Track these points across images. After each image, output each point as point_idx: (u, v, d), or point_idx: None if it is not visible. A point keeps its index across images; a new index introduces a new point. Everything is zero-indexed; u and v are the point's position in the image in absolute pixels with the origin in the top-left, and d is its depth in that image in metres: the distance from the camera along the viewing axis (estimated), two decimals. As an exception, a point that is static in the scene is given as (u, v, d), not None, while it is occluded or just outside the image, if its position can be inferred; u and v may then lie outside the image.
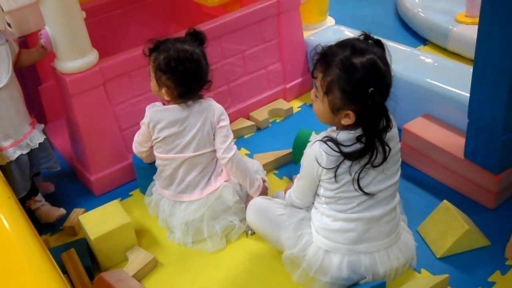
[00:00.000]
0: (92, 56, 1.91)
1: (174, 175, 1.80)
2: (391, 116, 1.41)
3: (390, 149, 1.41)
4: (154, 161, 1.87)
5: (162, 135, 1.76)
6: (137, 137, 1.87)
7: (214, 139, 1.78)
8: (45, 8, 1.79)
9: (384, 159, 1.40)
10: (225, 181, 1.81)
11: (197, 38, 1.78)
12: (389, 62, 1.40)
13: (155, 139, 1.78)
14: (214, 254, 1.75)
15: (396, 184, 1.50)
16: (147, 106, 1.80)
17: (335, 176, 1.42)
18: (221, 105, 1.80)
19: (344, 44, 1.38)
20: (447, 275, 1.52)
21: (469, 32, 2.62)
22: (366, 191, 1.43)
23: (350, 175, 1.41)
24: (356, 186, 1.41)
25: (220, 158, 1.78)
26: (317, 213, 1.54)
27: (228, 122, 1.79)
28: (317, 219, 1.53)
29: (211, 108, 1.76)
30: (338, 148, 1.39)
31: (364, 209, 1.46)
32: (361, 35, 1.41)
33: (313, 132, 1.53)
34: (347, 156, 1.39)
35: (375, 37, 1.42)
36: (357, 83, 1.33)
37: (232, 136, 1.79)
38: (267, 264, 1.68)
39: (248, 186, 1.80)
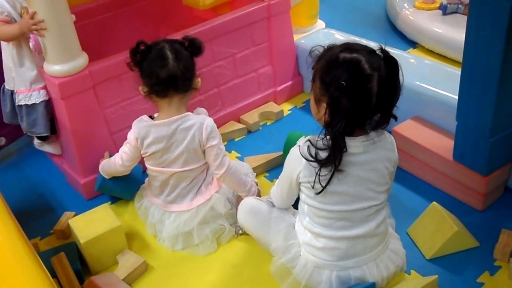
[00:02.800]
0: (81, 59, 1.90)
1: (164, 186, 1.79)
2: (375, 136, 1.40)
3: (344, 150, 1.36)
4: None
5: (150, 151, 1.73)
6: (122, 157, 1.81)
7: (204, 154, 1.76)
8: (34, 11, 1.78)
9: (339, 162, 1.37)
10: (216, 191, 1.79)
11: (190, 46, 1.74)
12: (399, 81, 1.37)
13: (144, 153, 1.76)
14: (205, 257, 1.74)
15: (382, 204, 1.48)
16: (134, 121, 1.76)
17: (313, 182, 1.41)
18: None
19: (345, 43, 1.40)
20: (436, 276, 1.53)
21: (413, 15, 2.97)
22: (346, 207, 1.42)
23: (318, 179, 1.38)
24: (319, 187, 1.39)
25: (213, 173, 1.79)
26: (301, 227, 1.53)
27: (219, 139, 1.74)
28: (302, 233, 1.53)
29: (201, 126, 1.71)
30: (314, 151, 1.38)
31: (348, 226, 1.45)
32: (378, 48, 1.37)
33: (303, 136, 1.53)
34: (318, 161, 1.37)
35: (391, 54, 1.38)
36: (333, 75, 1.32)
37: (223, 152, 1.76)
38: (258, 267, 1.68)
39: (243, 195, 1.79)
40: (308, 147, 1.40)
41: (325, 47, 1.42)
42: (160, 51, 1.67)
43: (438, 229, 1.67)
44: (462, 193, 1.85)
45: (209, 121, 1.73)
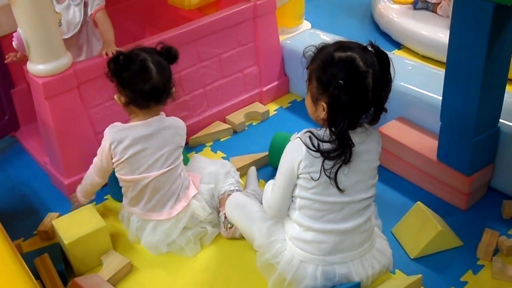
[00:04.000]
0: (66, 59, 1.89)
1: (140, 196, 1.74)
2: (369, 128, 1.44)
3: (353, 144, 1.40)
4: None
5: (126, 155, 1.68)
6: (95, 168, 1.78)
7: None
8: (17, 10, 1.76)
9: (350, 155, 1.40)
10: (194, 196, 1.77)
11: (167, 55, 1.72)
12: (391, 75, 1.42)
13: (117, 161, 1.70)
14: (190, 258, 1.74)
15: (371, 199, 1.51)
16: (106, 128, 1.73)
17: (311, 173, 1.42)
18: (197, 109, 1.80)
19: (338, 42, 1.43)
20: (420, 275, 1.54)
21: (386, 9, 3.13)
22: (341, 199, 1.44)
23: (322, 170, 1.41)
24: (333, 183, 1.41)
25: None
26: (290, 221, 1.54)
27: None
28: (291, 227, 1.54)
29: (179, 125, 1.76)
30: (317, 142, 1.40)
31: (338, 220, 1.47)
32: (368, 44, 1.41)
33: (294, 133, 1.54)
34: (321, 152, 1.40)
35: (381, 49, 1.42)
36: (330, 74, 1.36)
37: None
38: (244, 267, 1.68)
39: None
40: (310, 138, 1.41)
41: (318, 47, 1.44)
42: (143, 63, 1.64)
43: (422, 228, 1.68)
44: (446, 193, 1.87)
45: (182, 122, 1.78)
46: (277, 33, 2.54)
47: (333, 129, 1.38)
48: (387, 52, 1.42)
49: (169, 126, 1.73)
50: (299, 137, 1.44)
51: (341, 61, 1.36)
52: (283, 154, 1.51)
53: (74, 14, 2.13)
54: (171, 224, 1.74)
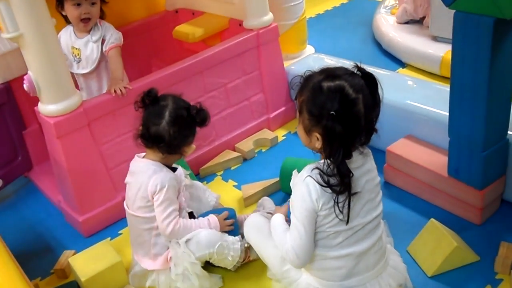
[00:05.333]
0: (76, 98, 1.93)
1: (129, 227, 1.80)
2: (363, 149, 1.43)
3: (353, 174, 1.38)
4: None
5: (125, 180, 1.76)
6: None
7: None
8: (27, 53, 1.82)
9: (349, 184, 1.38)
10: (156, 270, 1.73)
11: (196, 115, 1.70)
12: (379, 95, 1.40)
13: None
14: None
15: (380, 216, 1.50)
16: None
17: (329, 208, 1.40)
18: (206, 139, 1.75)
19: (324, 70, 1.42)
20: (438, 293, 1.53)
21: (380, 20, 3.30)
22: (354, 224, 1.43)
23: (336, 208, 1.39)
24: (342, 216, 1.39)
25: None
26: None
27: (165, 192, 1.65)
28: None
29: (144, 181, 1.67)
30: (326, 178, 1.38)
31: (352, 243, 1.45)
32: (353, 67, 1.41)
33: (294, 171, 1.53)
34: (331, 187, 1.37)
35: (367, 69, 1.41)
36: (320, 105, 1.34)
37: (169, 210, 1.66)
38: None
39: None
40: (320, 175, 1.38)
41: (304, 77, 1.43)
42: (161, 109, 1.66)
43: (437, 245, 1.67)
44: (459, 208, 1.86)
45: (156, 178, 1.67)
46: (281, 59, 2.58)
47: (331, 159, 1.37)
48: (374, 74, 1.40)
49: (143, 173, 1.68)
50: (309, 176, 1.40)
51: (330, 91, 1.34)
52: (295, 197, 1.44)
53: (92, 51, 2.18)
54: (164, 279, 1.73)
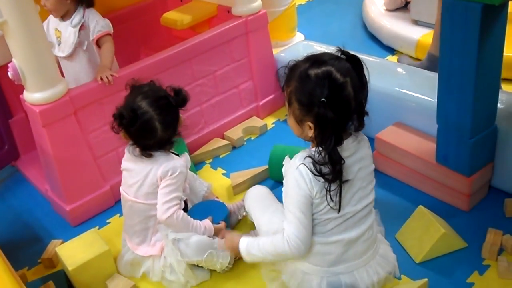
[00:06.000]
0: (61, 86, 1.90)
1: (124, 214, 1.78)
2: (357, 135, 1.42)
3: (343, 162, 1.37)
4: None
5: (122, 166, 1.75)
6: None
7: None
8: (11, 40, 1.79)
9: (341, 172, 1.37)
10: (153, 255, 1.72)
11: (175, 99, 1.67)
12: (366, 77, 1.39)
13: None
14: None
15: (371, 205, 1.50)
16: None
17: (322, 196, 1.39)
18: (195, 127, 1.74)
19: (308, 58, 1.40)
20: (426, 279, 1.53)
21: (378, 16, 3.18)
22: (344, 211, 1.43)
23: (327, 195, 1.38)
24: (333, 204, 1.39)
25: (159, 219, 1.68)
26: None
27: (175, 177, 1.64)
28: None
29: (160, 166, 1.65)
30: (318, 167, 1.37)
31: (341, 231, 1.45)
32: (337, 51, 1.41)
33: (287, 157, 1.52)
34: (324, 176, 1.37)
35: (352, 53, 1.41)
36: (310, 94, 1.33)
37: (173, 195, 1.65)
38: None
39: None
40: (313, 164, 1.37)
41: (289, 66, 1.41)
42: (149, 124, 1.61)
43: (425, 232, 1.67)
44: (448, 195, 1.86)
45: (168, 165, 1.67)
46: (271, 47, 2.56)
47: (323, 146, 1.36)
48: (358, 55, 1.40)
49: (148, 161, 1.67)
50: (303, 164, 1.39)
51: (318, 77, 1.33)
52: (289, 185, 1.43)
53: (70, 35, 2.16)
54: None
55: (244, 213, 1.87)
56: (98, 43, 2.17)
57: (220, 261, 1.68)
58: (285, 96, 1.43)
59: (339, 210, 1.41)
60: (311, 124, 1.36)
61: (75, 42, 2.15)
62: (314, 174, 1.37)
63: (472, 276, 1.60)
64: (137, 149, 1.67)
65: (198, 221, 1.71)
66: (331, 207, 1.40)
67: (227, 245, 1.63)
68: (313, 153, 1.39)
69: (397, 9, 3.19)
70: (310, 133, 1.38)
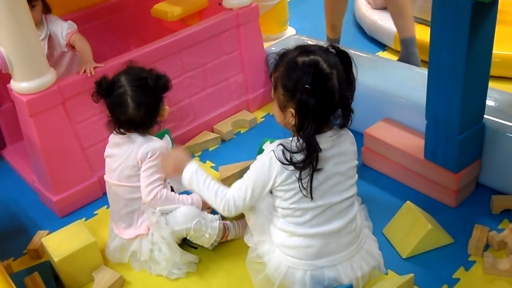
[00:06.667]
0: (49, 76, 1.88)
1: (110, 201, 1.78)
2: (340, 130, 1.44)
3: (320, 149, 1.38)
4: None
5: (105, 154, 1.76)
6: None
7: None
8: (-2, 29, 1.77)
9: (317, 160, 1.39)
10: (140, 234, 1.71)
11: (156, 84, 1.68)
12: (353, 74, 1.42)
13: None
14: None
15: (352, 198, 1.50)
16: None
17: (288, 184, 1.42)
18: (184, 120, 1.74)
19: (298, 47, 1.43)
20: (412, 274, 1.54)
21: (370, 12, 3.19)
22: (320, 203, 1.44)
23: (300, 184, 1.40)
24: (305, 192, 1.40)
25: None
26: (275, 228, 1.53)
27: (155, 159, 1.65)
28: (276, 235, 1.53)
29: (139, 148, 1.66)
30: (289, 155, 1.39)
31: (321, 222, 1.46)
32: (328, 45, 1.42)
33: (267, 141, 1.53)
34: (294, 164, 1.39)
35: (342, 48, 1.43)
36: (295, 80, 1.36)
37: (155, 177, 1.65)
38: (239, 283, 1.67)
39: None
40: (283, 151, 1.40)
41: (279, 54, 1.44)
42: (121, 97, 1.63)
43: (412, 227, 1.68)
44: (435, 191, 1.87)
45: (147, 146, 1.67)
46: (261, 40, 2.55)
47: (301, 133, 1.37)
48: (348, 51, 1.42)
49: (132, 143, 1.67)
50: (273, 151, 1.41)
51: (305, 65, 1.35)
52: (257, 164, 1.47)
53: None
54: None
55: None
56: (70, 43, 2.16)
57: (209, 231, 1.69)
58: (272, 82, 1.45)
59: (311, 198, 1.42)
60: (293, 111, 1.38)
61: (46, 54, 2.11)
62: (282, 163, 1.39)
63: (458, 271, 1.61)
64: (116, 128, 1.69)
65: (185, 195, 1.72)
66: (304, 195, 1.41)
67: (171, 164, 1.60)
68: (288, 142, 1.41)
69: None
70: (292, 120, 1.39)
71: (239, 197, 1.49)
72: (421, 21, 2.91)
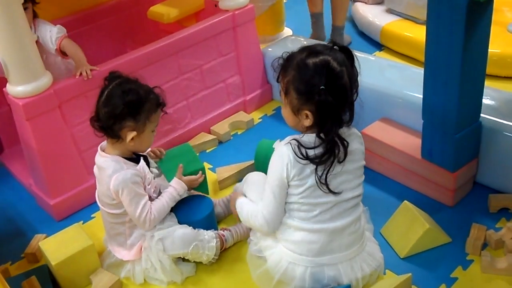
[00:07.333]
0: (45, 79, 1.88)
1: None
2: (348, 129, 1.45)
3: (348, 143, 1.41)
4: None
5: (94, 172, 1.72)
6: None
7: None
8: (-6, 32, 1.76)
9: (345, 154, 1.41)
10: (131, 260, 1.70)
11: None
12: (357, 68, 1.42)
13: None
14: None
15: (359, 198, 1.51)
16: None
17: (300, 179, 1.42)
18: (181, 122, 1.70)
19: (304, 48, 1.43)
20: (409, 274, 1.53)
21: (366, 11, 3.19)
22: (328, 199, 1.44)
23: (316, 177, 1.41)
24: (325, 188, 1.42)
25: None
26: (279, 224, 1.53)
27: (130, 191, 1.59)
28: (280, 229, 1.53)
29: (110, 179, 1.60)
30: (304, 150, 1.40)
31: (327, 219, 1.46)
32: (328, 42, 1.43)
33: (277, 140, 1.53)
34: (311, 159, 1.40)
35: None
36: (309, 82, 1.36)
37: (140, 204, 1.61)
38: (238, 284, 1.67)
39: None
40: (298, 147, 1.40)
41: (285, 57, 1.44)
42: (104, 89, 1.62)
43: (410, 227, 1.68)
44: (432, 190, 1.87)
45: (119, 176, 1.59)
46: (258, 41, 2.55)
47: (322, 135, 1.38)
48: (349, 48, 1.44)
49: (106, 168, 1.62)
50: (289, 143, 1.41)
51: (316, 66, 1.36)
52: (270, 164, 1.48)
53: None
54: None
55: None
56: (61, 48, 2.12)
57: (206, 252, 1.68)
58: (282, 87, 1.44)
59: (330, 191, 1.42)
60: (308, 113, 1.38)
61: None
62: (297, 156, 1.40)
63: (456, 271, 1.61)
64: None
65: (166, 191, 1.70)
66: (320, 189, 1.42)
67: (232, 205, 1.70)
68: (301, 137, 1.42)
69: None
70: (307, 122, 1.40)
71: (265, 203, 1.49)
72: (408, 17, 2.97)
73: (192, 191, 1.85)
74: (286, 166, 1.42)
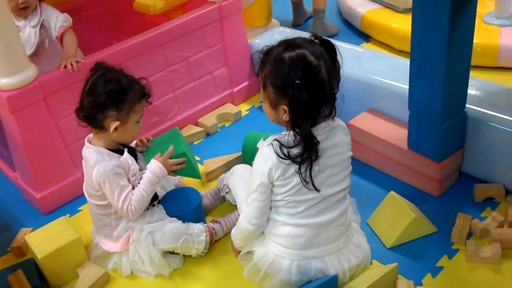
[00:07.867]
0: (30, 71, 1.86)
1: None
2: (332, 122, 1.43)
3: (318, 142, 1.38)
4: None
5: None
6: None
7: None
8: (-24, 24, 1.74)
9: (316, 152, 1.39)
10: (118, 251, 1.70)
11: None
12: (339, 62, 1.41)
13: None
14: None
15: (345, 190, 1.51)
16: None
17: (285, 179, 1.41)
18: (168, 114, 1.70)
19: (282, 42, 1.41)
20: (396, 264, 1.54)
21: (354, 3, 3.18)
22: (315, 195, 1.43)
23: (299, 177, 1.40)
24: (310, 186, 1.41)
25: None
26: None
27: (111, 182, 1.58)
28: (267, 225, 1.53)
29: (93, 170, 1.60)
30: (286, 150, 1.38)
31: (313, 214, 1.46)
32: (311, 36, 1.41)
33: (261, 139, 1.52)
34: (292, 158, 1.38)
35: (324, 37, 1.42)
36: (284, 76, 1.34)
37: (122, 194, 1.60)
38: (226, 275, 1.67)
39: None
40: (280, 147, 1.39)
41: (263, 51, 1.42)
42: (88, 79, 1.62)
43: (396, 217, 1.69)
44: (419, 181, 1.88)
45: (101, 168, 1.59)
46: (245, 33, 2.54)
47: (296, 130, 1.36)
48: (331, 40, 1.41)
49: (90, 158, 1.63)
50: (271, 144, 1.40)
51: (292, 60, 1.34)
52: (254, 166, 1.47)
53: (30, 35, 2.13)
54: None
55: (225, 192, 1.85)
56: (61, 37, 2.14)
57: (196, 246, 1.68)
58: (260, 81, 1.43)
59: (317, 190, 1.41)
60: (285, 108, 1.37)
61: (37, 42, 2.11)
62: (280, 157, 1.38)
63: (442, 260, 1.62)
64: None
65: (143, 176, 1.66)
66: (306, 187, 1.41)
67: (235, 256, 1.67)
68: (282, 136, 1.40)
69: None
70: (285, 116, 1.38)
71: (248, 204, 1.48)
72: (389, 6, 3.01)
73: (179, 177, 1.86)
74: (270, 171, 1.40)
